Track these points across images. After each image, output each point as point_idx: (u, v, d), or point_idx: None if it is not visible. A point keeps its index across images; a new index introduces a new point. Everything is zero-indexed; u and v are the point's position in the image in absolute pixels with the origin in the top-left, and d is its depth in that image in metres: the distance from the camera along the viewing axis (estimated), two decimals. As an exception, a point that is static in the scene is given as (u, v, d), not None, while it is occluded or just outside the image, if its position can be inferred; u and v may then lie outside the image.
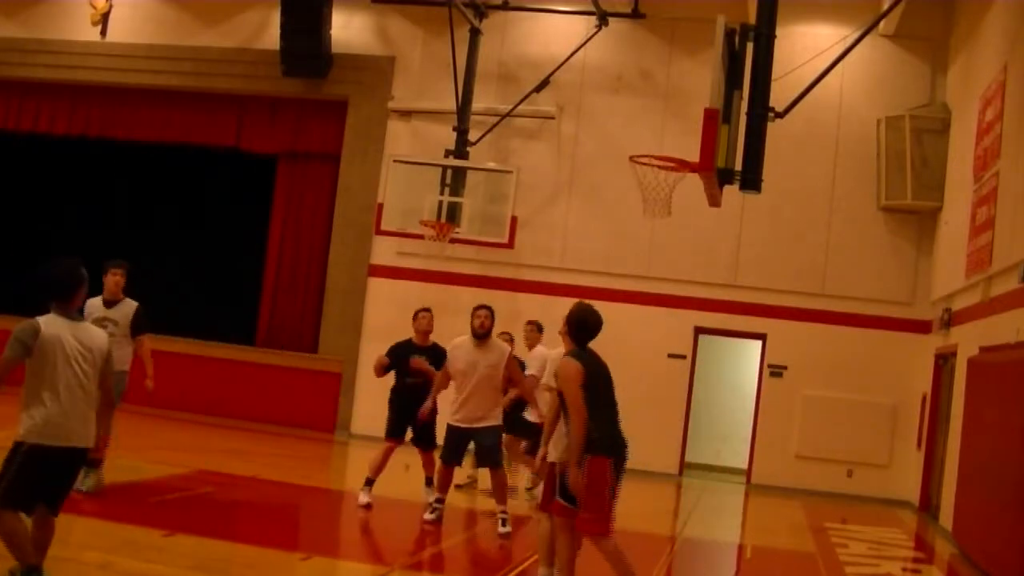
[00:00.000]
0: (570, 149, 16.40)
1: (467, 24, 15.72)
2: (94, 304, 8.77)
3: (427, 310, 10.02)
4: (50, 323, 5.49)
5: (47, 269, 5.63)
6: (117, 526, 7.73)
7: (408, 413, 9.71)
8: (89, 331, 5.67)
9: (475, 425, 9.01)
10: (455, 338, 9.23)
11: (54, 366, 5.41)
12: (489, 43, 16.23)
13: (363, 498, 9.73)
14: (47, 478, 5.46)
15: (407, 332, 10.05)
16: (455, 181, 15.26)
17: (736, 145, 9.20)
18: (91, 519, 7.70)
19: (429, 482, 9.95)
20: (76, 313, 5.70)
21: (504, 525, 9.02)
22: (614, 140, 15.76)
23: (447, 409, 9.27)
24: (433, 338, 9.89)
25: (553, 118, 16.36)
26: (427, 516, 9.27)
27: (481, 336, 9.00)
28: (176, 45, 17.74)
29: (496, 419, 9.15)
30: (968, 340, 12.05)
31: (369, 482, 9.75)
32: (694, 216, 13.57)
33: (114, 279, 8.88)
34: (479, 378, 8.95)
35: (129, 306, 8.93)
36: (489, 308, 9.17)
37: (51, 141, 18.76)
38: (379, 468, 9.79)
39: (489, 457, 9.13)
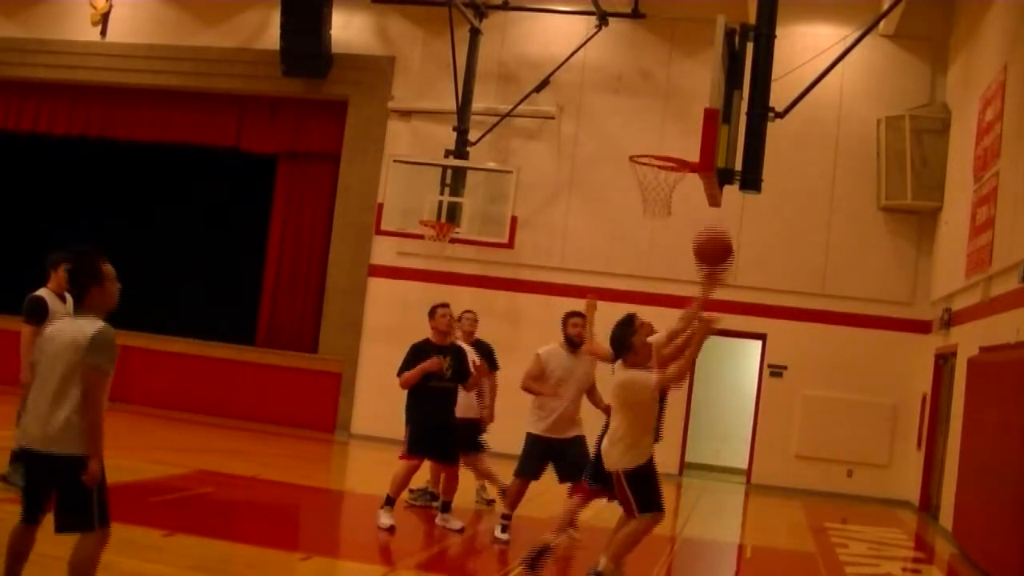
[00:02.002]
0: (570, 149, 16.41)
1: (467, 24, 15.72)
2: (54, 299, 8.59)
3: (445, 305, 9.19)
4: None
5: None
6: (117, 526, 7.58)
7: (434, 423, 8.95)
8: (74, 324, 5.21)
9: (566, 435, 8.78)
10: (543, 346, 9.03)
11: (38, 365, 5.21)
12: (489, 43, 16.23)
13: (385, 520, 8.86)
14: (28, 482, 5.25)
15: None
16: (455, 181, 15.27)
17: (736, 145, 9.21)
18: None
19: (447, 507, 9.22)
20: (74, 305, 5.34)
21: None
22: (614, 140, 15.76)
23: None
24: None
25: (553, 118, 16.36)
26: (498, 534, 8.86)
27: (577, 344, 8.82)
28: (176, 45, 17.74)
29: (581, 429, 8.88)
30: (968, 340, 12.05)
31: (390, 501, 8.93)
32: (694, 216, 13.52)
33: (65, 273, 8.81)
34: (575, 387, 8.81)
35: (69, 301, 8.83)
36: (583, 316, 8.89)
37: (51, 141, 18.77)
38: (402, 487, 9.08)
39: (578, 470, 8.64)
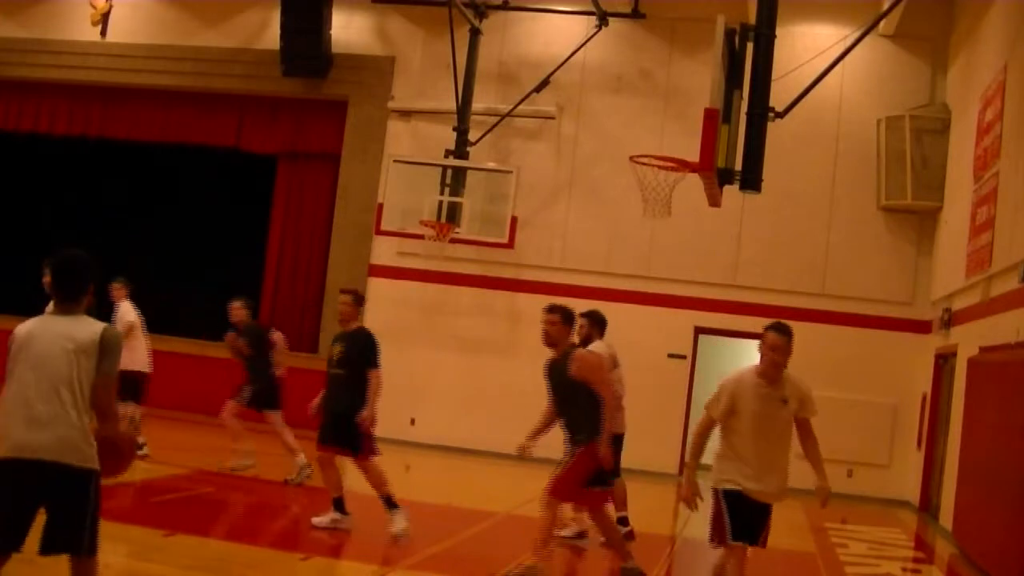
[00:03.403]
0: (570, 149, 16.41)
1: (467, 24, 15.72)
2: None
3: (346, 292, 8.79)
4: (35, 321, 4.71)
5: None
6: (117, 526, 7.69)
7: (328, 411, 8.55)
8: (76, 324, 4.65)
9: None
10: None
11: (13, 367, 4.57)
12: (489, 43, 16.23)
13: (323, 520, 8.65)
14: (6, 499, 4.47)
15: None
16: (455, 181, 15.28)
17: (736, 145, 9.21)
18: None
19: (391, 504, 8.47)
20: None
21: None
22: (614, 140, 15.76)
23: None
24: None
25: (553, 118, 16.36)
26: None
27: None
28: (176, 45, 17.75)
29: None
30: (968, 340, 12.05)
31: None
32: (694, 216, 13.57)
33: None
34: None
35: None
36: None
37: (51, 141, 18.77)
38: (337, 483, 8.67)
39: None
